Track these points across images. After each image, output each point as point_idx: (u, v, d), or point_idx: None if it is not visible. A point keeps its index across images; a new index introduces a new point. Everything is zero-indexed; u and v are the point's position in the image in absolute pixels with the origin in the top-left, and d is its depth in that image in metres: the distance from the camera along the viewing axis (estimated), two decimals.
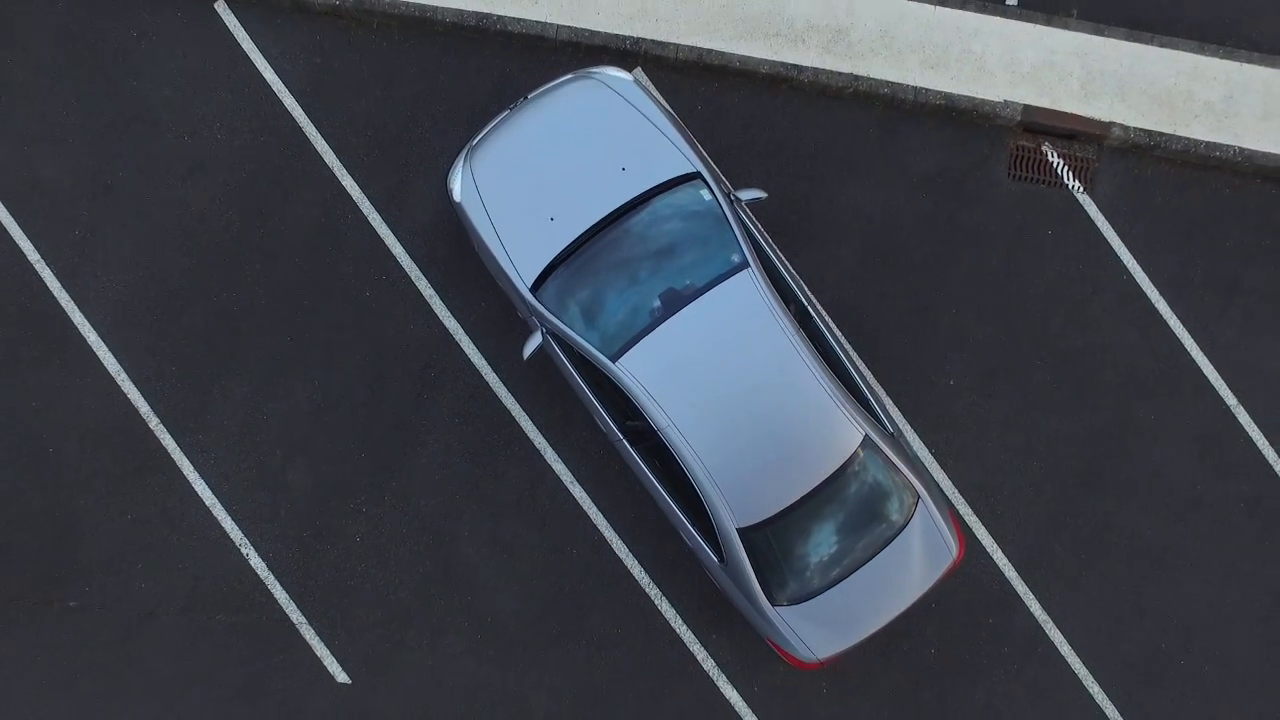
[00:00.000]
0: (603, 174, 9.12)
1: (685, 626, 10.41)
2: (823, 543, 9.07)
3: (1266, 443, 10.73)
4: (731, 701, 10.36)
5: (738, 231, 8.97)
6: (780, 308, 8.90)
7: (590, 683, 10.37)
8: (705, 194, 9.10)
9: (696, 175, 9.16)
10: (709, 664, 10.40)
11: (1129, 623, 10.62)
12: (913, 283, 10.62)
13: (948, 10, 10.55)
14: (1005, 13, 10.65)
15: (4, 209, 10.36)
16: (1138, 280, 10.80)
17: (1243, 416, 10.75)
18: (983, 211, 10.68)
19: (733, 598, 9.40)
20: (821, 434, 8.80)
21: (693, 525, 9.27)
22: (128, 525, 10.33)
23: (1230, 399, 10.75)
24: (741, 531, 8.96)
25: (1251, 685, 10.62)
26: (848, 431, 8.88)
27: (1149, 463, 10.66)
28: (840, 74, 10.46)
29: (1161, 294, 10.80)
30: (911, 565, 9.28)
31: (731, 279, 8.81)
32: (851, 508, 9.06)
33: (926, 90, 10.51)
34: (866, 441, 8.98)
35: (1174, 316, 10.80)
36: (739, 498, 8.85)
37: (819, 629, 9.23)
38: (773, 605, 9.18)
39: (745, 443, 8.79)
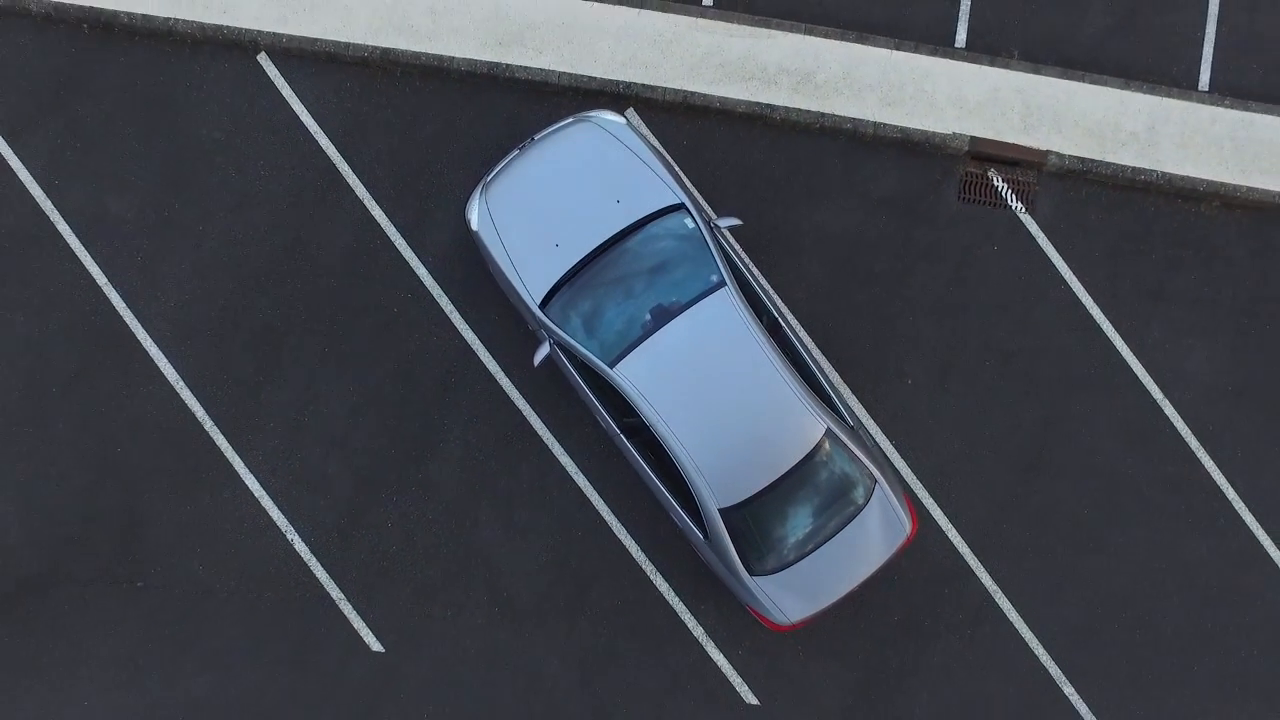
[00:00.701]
0: (600, 206, 10.47)
1: (677, 598, 11.76)
2: (793, 520, 10.42)
3: (1189, 431, 12.07)
4: (718, 663, 11.72)
5: (716, 255, 10.33)
6: (754, 320, 10.26)
7: (594, 649, 11.69)
8: (688, 222, 10.47)
9: (680, 206, 10.51)
10: (698, 631, 11.75)
11: (1068, 592, 11.94)
12: (874, 294, 11.97)
13: (902, 54, 11.92)
14: (953, 54, 12.01)
15: (76, 240, 11.73)
16: (1074, 289, 12.15)
17: (1168, 409, 12.09)
18: (936, 230, 12.04)
19: (716, 570, 10.77)
20: (789, 428, 10.17)
21: (680, 507, 10.62)
22: (187, 515, 11.68)
23: (1156, 393, 12.09)
24: (722, 511, 10.31)
25: (1176, 645, 11.96)
26: (812, 425, 10.25)
27: (1084, 450, 12.00)
28: (808, 111, 11.83)
29: (1095, 301, 12.14)
30: (871, 540, 10.64)
31: (711, 296, 10.15)
32: (817, 490, 10.40)
33: (884, 125, 11.89)
34: (829, 433, 10.34)
35: (1106, 321, 12.14)
36: (719, 482, 10.22)
37: (791, 595, 10.59)
38: (750, 575, 10.54)
39: (724, 436, 10.14)
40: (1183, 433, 12.06)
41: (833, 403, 10.75)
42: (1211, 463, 12.05)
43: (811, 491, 10.37)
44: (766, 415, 10.11)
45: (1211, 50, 12.26)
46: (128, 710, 11.54)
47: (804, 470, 10.27)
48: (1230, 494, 12.04)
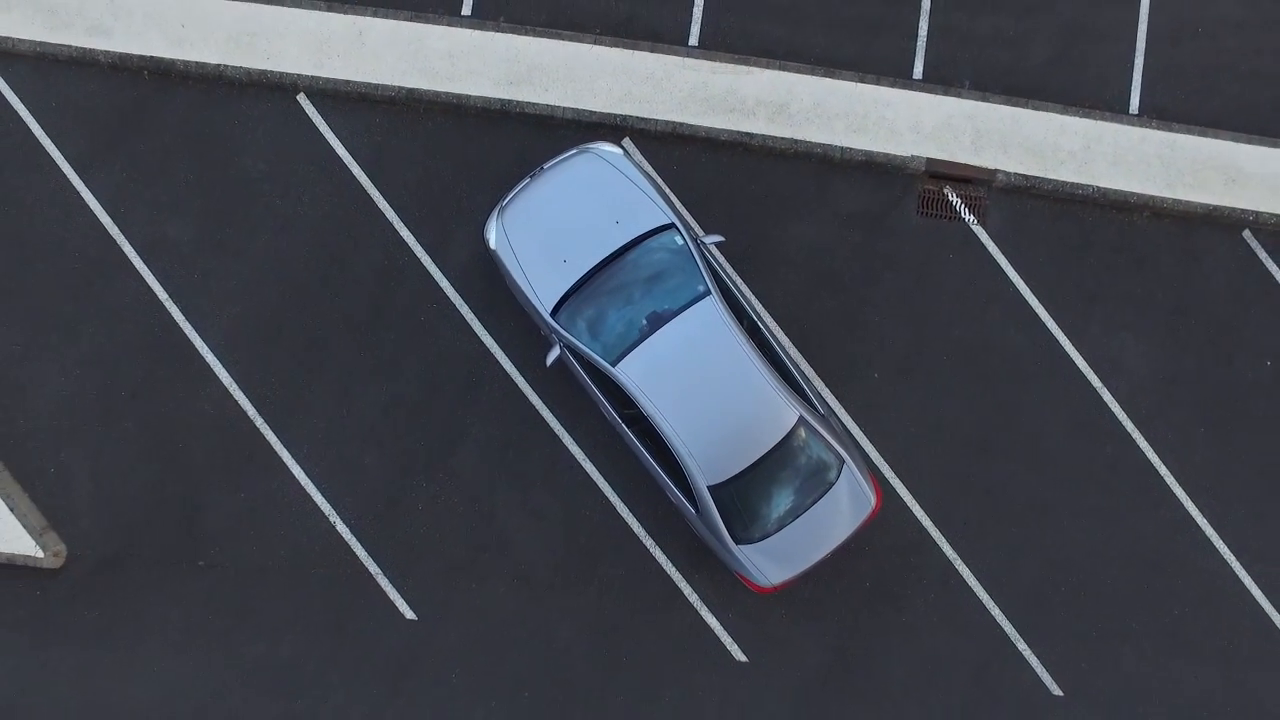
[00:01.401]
0: (601, 226, 11.99)
1: (674, 569, 13.27)
2: (772, 496, 11.95)
3: (1125, 415, 13.59)
4: (711, 626, 13.24)
5: (702, 268, 11.88)
6: (735, 324, 11.80)
7: (601, 615, 13.20)
8: (678, 239, 12.00)
9: (671, 225, 12.05)
10: (693, 597, 13.27)
11: (1021, 559, 13.44)
12: (843, 299, 13.50)
13: (866, 86, 13.47)
14: (911, 85, 13.55)
15: (140, 260, 13.27)
16: (1021, 292, 13.68)
17: (1106, 396, 13.61)
18: (898, 242, 13.58)
19: (707, 540, 12.32)
20: (767, 416, 11.70)
21: (675, 486, 12.14)
22: (241, 502, 13.22)
23: (1096, 381, 13.61)
24: (711, 489, 11.85)
25: (1116, 605, 13.46)
26: (787, 413, 11.79)
27: (1032, 433, 13.51)
28: (783, 138, 13.37)
29: (1040, 301, 13.66)
30: (840, 512, 12.18)
31: (698, 304, 11.68)
32: (793, 469, 11.94)
33: (851, 149, 13.43)
34: (801, 420, 11.88)
35: (1050, 319, 13.66)
36: (708, 464, 11.76)
37: (771, 561, 12.14)
38: (736, 544, 12.09)
39: (711, 423, 11.66)
40: (1120, 417, 13.58)
41: (806, 394, 12.30)
42: (1145, 443, 13.57)
43: (788, 470, 11.90)
44: (747, 405, 11.65)
45: (1140, 78, 13.79)
46: (191, 673, 13.05)
47: (781, 452, 11.81)
48: (1163, 471, 13.57)
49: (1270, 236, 13.81)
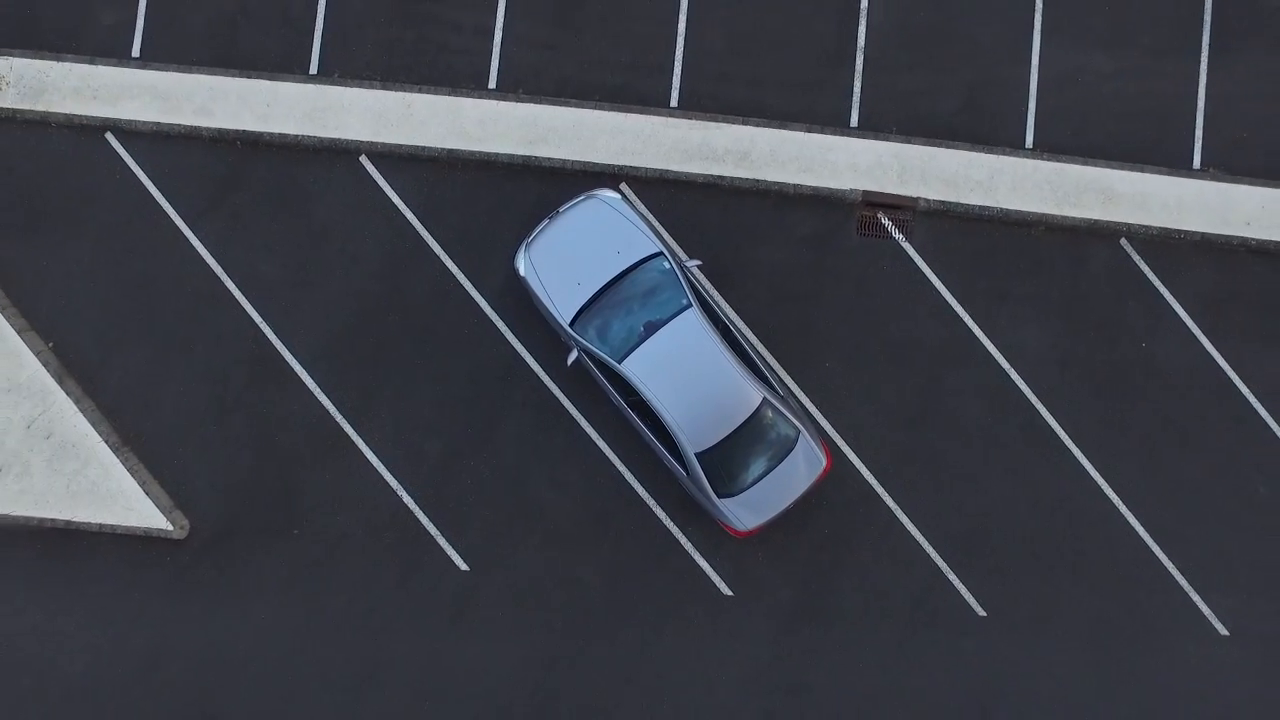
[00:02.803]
0: (606, 256, 15.27)
1: (671, 523, 16.56)
2: (745, 459, 15.23)
3: (1029, 390, 16.84)
4: (703, 567, 16.58)
5: (685, 286, 15.20)
6: (713, 329, 15.08)
7: (615, 562, 16.46)
8: (666, 264, 15.35)
9: (660, 253, 15.36)
10: (687, 545, 16.57)
11: (949, 507, 16.65)
12: (800, 305, 16.83)
13: (812, 134, 16.82)
14: (848, 133, 16.90)
15: (240, 293, 16.61)
16: (943, 295, 17.01)
17: (1013, 375, 16.89)
18: (841, 258, 16.92)
19: (695, 497, 15.68)
20: (738, 398, 15.01)
21: (669, 454, 15.49)
22: (327, 482, 16.54)
23: (1005, 364, 16.92)
24: (697, 455, 15.12)
25: (1026, 543, 16.72)
26: (753, 396, 15.11)
27: (955, 407, 16.81)
28: (747, 179, 16.73)
29: (958, 302, 16.97)
30: (799, 471, 15.50)
31: (683, 314, 14.92)
32: (760, 439, 15.25)
33: (802, 185, 16.79)
34: (765, 401, 15.22)
35: (966, 315, 16.96)
36: (694, 436, 15.05)
37: (747, 510, 15.45)
38: (719, 498, 15.41)
39: (695, 405, 14.89)
40: (1025, 392, 16.87)
41: (769, 380, 15.67)
42: (1046, 412, 16.85)
43: (756, 439, 15.26)
44: (723, 390, 14.99)
45: (1033, 120, 17.13)
46: (288, 621, 16.34)
47: (750, 425, 15.15)
48: (1061, 434, 16.87)
49: (1141, 243, 17.15)
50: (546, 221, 15.72)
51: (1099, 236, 17.05)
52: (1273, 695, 16.66)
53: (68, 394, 16.33)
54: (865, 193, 16.79)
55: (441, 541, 16.50)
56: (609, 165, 16.62)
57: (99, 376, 16.47)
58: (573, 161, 16.59)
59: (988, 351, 16.90)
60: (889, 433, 16.70)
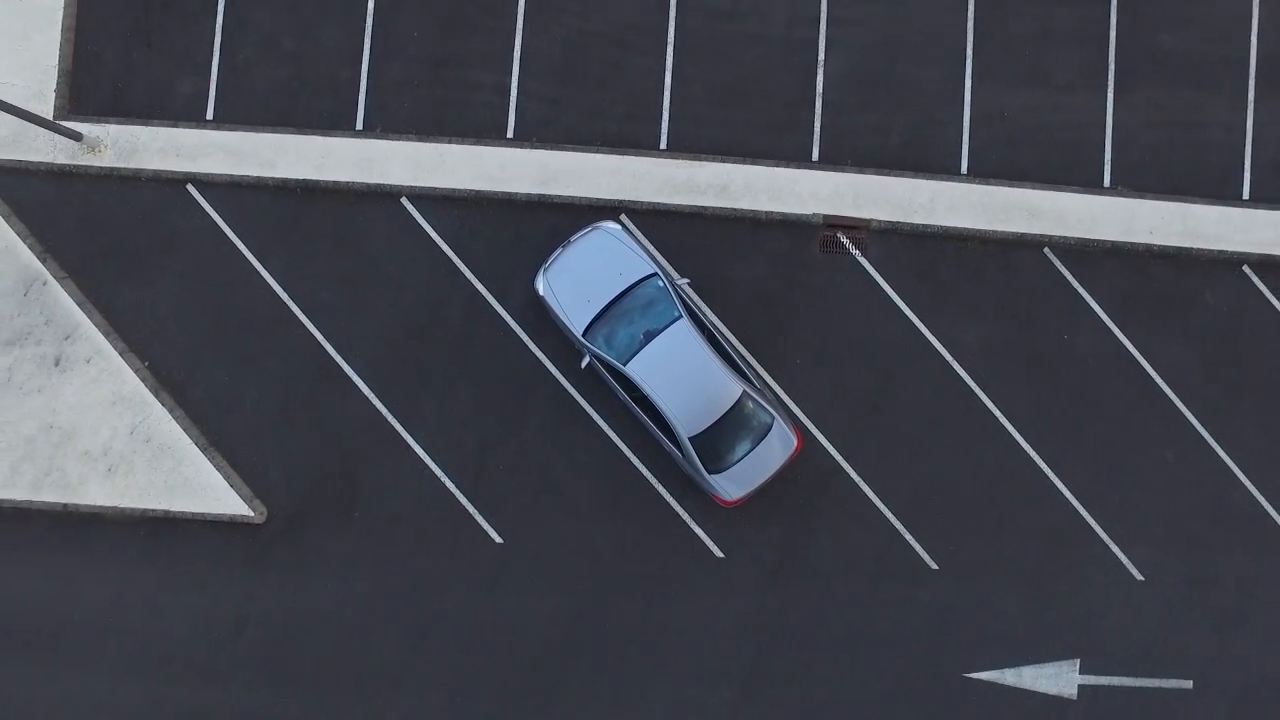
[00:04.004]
0: (610, 277, 18.30)
1: (671, 497, 19.70)
2: (730, 441, 18.35)
3: (969, 378, 19.92)
4: (698, 533, 19.72)
5: (676, 300, 18.31)
6: (701, 336, 18.11)
7: (625, 531, 19.47)
8: (660, 283, 18.48)
9: (655, 274, 18.47)
10: (685, 516, 19.71)
11: (904, 478, 19.58)
12: (774, 312, 19.93)
13: (779, 169, 19.98)
14: (811, 166, 20.04)
15: (304, 315, 19.76)
16: (896, 301, 20.14)
17: (955, 366, 20.01)
18: (807, 272, 20.07)
19: (690, 474, 18.82)
20: (722, 391, 18.11)
21: (667, 439, 18.65)
22: (381, 472, 19.65)
23: (948, 357, 20.05)
24: (690, 439, 18.28)
25: (970, 505, 19.80)
26: (734, 389, 18.28)
27: (907, 394, 19.86)
28: (726, 208, 19.86)
29: (907, 305, 20.11)
30: (774, 450, 18.58)
31: (675, 324, 17.97)
32: (741, 424, 18.36)
33: (773, 212, 19.96)
34: (744, 393, 18.32)
35: (915, 317, 20.08)
36: (687, 423, 18.13)
37: (732, 484, 18.55)
38: (709, 474, 18.57)
39: (687, 397, 17.94)
40: (966, 380, 19.99)
41: (748, 376, 18.87)
42: (984, 396, 19.95)
43: (738, 425, 18.41)
44: (709, 385, 18.09)
45: (967, 150, 20.27)
46: (352, 593, 19.40)
47: (732, 414, 18.28)
48: (997, 413, 20.00)
49: (1061, 251, 20.29)
50: (560, 249, 18.91)
51: (1025, 247, 20.18)
52: (1183, 631, 19.81)
53: (162, 404, 19.53)
54: (826, 216, 19.94)
55: (479, 518, 19.64)
56: (610, 200, 19.78)
57: (187, 389, 19.66)
58: (579, 198, 19.77)
59: (933, 346, 20.00)
60: (851, 417, 19.75)
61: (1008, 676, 19.58)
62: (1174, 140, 20.31)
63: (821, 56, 20.21)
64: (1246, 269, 20.21)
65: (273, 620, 19.32)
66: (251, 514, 19.44)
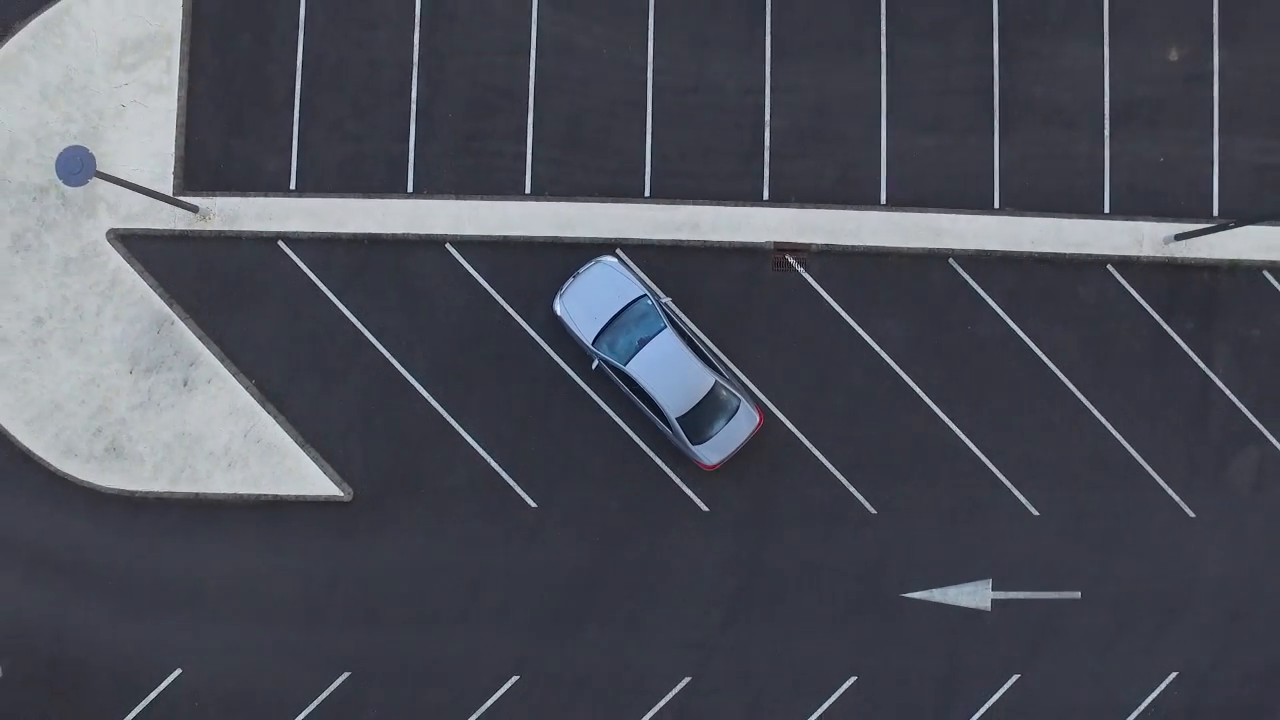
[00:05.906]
0: (611, 298, 23.72)
1: (665, 466, 25.22)
2: (708, 419, 23.87)
3: (895, 365, 25.43)
4: (688, 493, 25.12)
5: (662, 314, 23.77)
6: (682, 341, 23.68)
7: (630, 493, 24.78)
8: (649, 301, 23.94)
9: (644, 295, 24.03)
10: (677, 479, 25.21)
11: (849, 444, 24.83)
12: (739, 321, 25.29)
13: (738, 207, 25.55)
14: (762, 204, 25.56)
15: (374, 339, 25.32)
16: (837, 309, 25.68)
17: (884, 355, 25.49)
18: (763, 287, 25.53)
19: (678, 446, 24.27)
20: (700, 381, 23.52)
21: (660, 419, 24.16)
22: (441, 457, 25.04)
23: (877, 348, 25.59)
24: (678, 418, 23.83)
25: (902, 465, 25.14)
26: (708, 379, 23.81)
27: (847, 378, 25.31)
28: (698, 240, 25.32)
29: (845, 311, 25.60)
30: (742, 425, 23.96)
31: (662, 333, 23.44)
32: (716, 406, 23.80)
33: (734, 241, 25.46)
34: (717, 383, 23.83)
35: (852, 320, 25.53)
36: (674, 406, 23.54)
37: (711, 451, 23.96)
38: (692, 444, 24.13)
39: (673, 387, 23.31)
40: (893, 366, 25.49)
41: (719, 369, 24.46)
42: (909, 379, 25.44)
43: (714, 407, 23.89)
44: (690, 378, 23.56)
45: (885, 184, 25.82)
46: (419, 554, 24.78)
47: (709, 398, 23.77)
48: (920, 392, 25.49)
49: (963, 261, 25.72)
50: (571, 279, 24.48)
51: (934, 259, 25.64)
52: (1071, 553, 25.30)
53: (267, 412, 25.13)
54: (776, 243, 25.48)
55: (516, 488, 25.18)
56: (608, 239, 25.36)
57: (286, 399, 25.24)
58: (584, 238, 25.34)
59: (865, 340, 25.51)
60: (805, 399, 25.16)
61: (935, 595, 25.05)
62: (1048, 169, 25.74)
63: (768, 117, 25.72)
64: (1110, 268, 25.71)
65: (360, 576, 24.80)
66: (341, 494, 24.99)
